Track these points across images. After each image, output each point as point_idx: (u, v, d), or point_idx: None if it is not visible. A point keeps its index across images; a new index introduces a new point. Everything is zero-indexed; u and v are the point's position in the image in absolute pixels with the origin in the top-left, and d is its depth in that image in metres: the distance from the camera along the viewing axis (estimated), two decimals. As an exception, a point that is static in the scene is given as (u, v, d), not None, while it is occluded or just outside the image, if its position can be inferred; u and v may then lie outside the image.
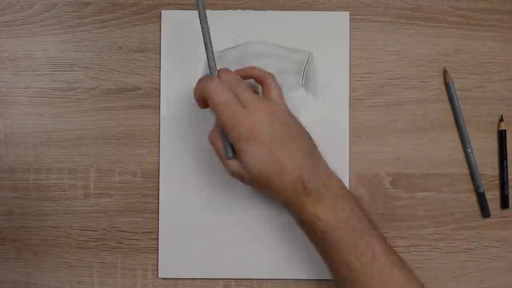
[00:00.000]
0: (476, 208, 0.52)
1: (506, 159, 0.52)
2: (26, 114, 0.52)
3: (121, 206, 0.52)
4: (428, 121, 0.52)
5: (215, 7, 0.52)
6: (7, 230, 0.52)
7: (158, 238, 0.51)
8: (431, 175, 0.52)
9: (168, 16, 0.52)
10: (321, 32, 0.52)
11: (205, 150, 0.51)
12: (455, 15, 0.52)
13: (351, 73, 0.52)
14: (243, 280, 0.51)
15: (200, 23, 0.45)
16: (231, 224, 0.51)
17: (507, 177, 0.52)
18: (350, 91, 0.52)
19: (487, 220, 0.52)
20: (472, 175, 0.52)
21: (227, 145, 0.45)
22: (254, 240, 0.51)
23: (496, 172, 0.52)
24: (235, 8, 0.52)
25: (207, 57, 0.45)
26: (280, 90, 0.47)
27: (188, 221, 0.51)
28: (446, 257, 0.52)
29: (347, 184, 0.50)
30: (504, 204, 0.52)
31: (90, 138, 0.52)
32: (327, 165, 0.46)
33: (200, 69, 0.52)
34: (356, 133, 0.52)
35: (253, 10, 0.52)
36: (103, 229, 0.52)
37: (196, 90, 0.45)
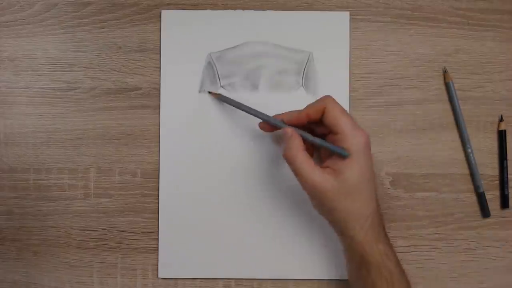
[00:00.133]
0: (476, 208, 0.52)
1: (506, 159, 0.52)
2: (26, 114, 0.52)
3: (121, 206, 0.52)
4: (428, 121, 0.52)
5: (215, 7, 0.52)
6: (7, 230, 0.52)
7: (158, 238, 0.51)
8: (431, 175, 0.52)
9: (168, 16, 0.52)
10: (321, 32, 0.52)
11: (205, 150, 0.51)
12: (455, 15, 0.52)
13: (351, 73, 0.52)
14: (243, 280, 0.51)
15: (242, 109, 0.47)
16: (231, 224, 0.51)
17: (507, 177, 0.52)
18: (350, 91, 0.52)
19: (487, 220, 0.52)
20: (472, 175, 0.52)
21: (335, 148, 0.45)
22: (254, 240, 0.51)
23: (496, 172, 0.52)
24: (235, 8, 0.52)
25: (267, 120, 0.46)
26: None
27: (188, 221, 0.51)
28: (446, 257, 0.52)
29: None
30: (504, 204, 0.52)
31: (90, 138, 0.52)
32: None
33: (200, 69, 0.52)
34: (356, 133, 0.52)
35: (253, 10, 0.52)
36: (103, 229, 0.52)
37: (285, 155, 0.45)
